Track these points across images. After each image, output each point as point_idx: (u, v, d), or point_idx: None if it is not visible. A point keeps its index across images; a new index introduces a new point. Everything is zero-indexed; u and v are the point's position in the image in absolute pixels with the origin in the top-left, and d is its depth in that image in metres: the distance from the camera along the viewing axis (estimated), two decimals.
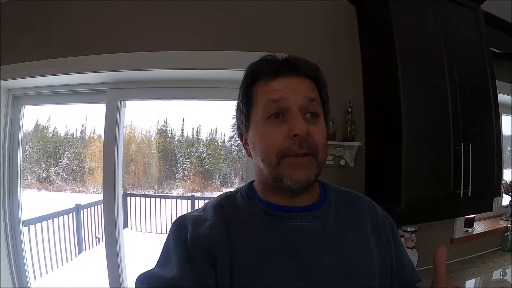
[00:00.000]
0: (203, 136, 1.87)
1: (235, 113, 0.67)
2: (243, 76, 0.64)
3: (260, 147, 0.58)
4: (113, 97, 1.68)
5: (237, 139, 1.86)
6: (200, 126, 1.87)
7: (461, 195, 1.40)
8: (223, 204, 0.62)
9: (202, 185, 1.99)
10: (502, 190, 2.11)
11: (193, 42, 1.54)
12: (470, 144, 1.43)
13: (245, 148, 0.65)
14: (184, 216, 0.61)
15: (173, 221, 0.61)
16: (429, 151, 1.40)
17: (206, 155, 1.89)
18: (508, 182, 2.29)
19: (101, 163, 1.68)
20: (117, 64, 1.51)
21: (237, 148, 1.86)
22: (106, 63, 1.52)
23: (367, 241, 0.62)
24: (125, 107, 1.73)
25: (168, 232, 0.59)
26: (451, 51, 1.51)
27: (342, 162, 1.62)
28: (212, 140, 1.85)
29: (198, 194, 2.05)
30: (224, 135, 1.83)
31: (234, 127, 1.83)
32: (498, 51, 1.99)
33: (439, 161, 1.42)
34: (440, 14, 1.52)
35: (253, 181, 0.68)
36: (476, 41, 1.64)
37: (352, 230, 0.62)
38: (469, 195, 1.41)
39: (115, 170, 1.66)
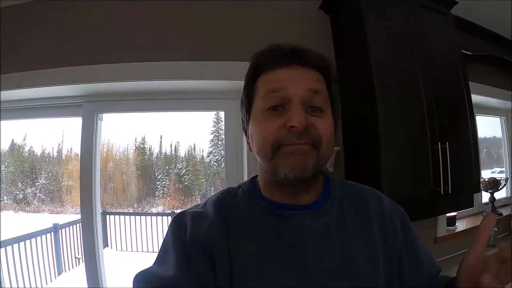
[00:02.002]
0: (182, 152, 1.84)
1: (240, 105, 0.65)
2: (248, 66, 0.61)
3: (257, 139, 0.55)
4: (89, 110, 1.64)
5: (215, 154, 1.84)
6: (178, 142, 1.84)
7: (442, 193, 1.42)
8: (224, 200, 0.61)
9: (182, 201, 1.96)
10: (481, 187, 2.15)
11: (170, 52, 1.52)
12: (447, 143, 1.46)
13: (248, 143, 0.62)
14: (184, 213, 0.59)
15: (172, 217, 0.59)
16: (407, 151, 1.41)
17: (185, 172, 1.85)
18: (486, 180, 2.33)
19: (79, 182, 1.62)
20: (93, 76, 1.47)
21: (216, 164, 1.84)
22: (81, 75, 1.47)
23: (372, 238, 0.59)
24: (102, 120, 1.68)
25: (167, 229, 0.57)
26: (424, 54, 1.54)
27: None
28: (190, 156, 1.82)
29: (179, 211, 2.03)
30: (202, 151, 1.82)
31: (212, 143, 1.82)
32: (470, 53, 2.04)
33: (417, 161, 1.43)
34: (412, 19, 1.56)
35: (256, 176, 0.66)
36: (448, 44, 1.69)
37: (356, 227, 0.59)
38: (450, 192, 1.43)
39: (93, 185, 1.61)
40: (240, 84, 1.56)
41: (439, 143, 1.45)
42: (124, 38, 1.51)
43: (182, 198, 1.93)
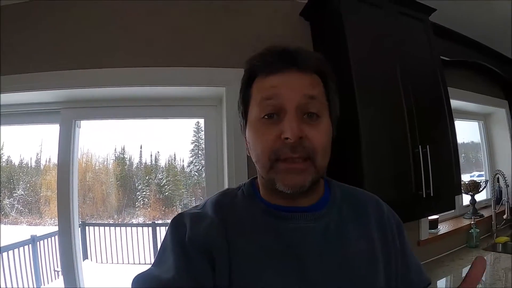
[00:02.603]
0: (162, 162, 1.81)
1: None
2: (244, 70, 0.61)
3: (255, 149, 0.55)
4: (67, 116, 1.59)
5: (196, 164, 1.82)
6: (158, 152, 1.80)
7: (424, 196, 1.43)
8: (223, 201, 0.61)
9: (163, 212, 1.92)
10: (462, 189, 2.19)
11: (149, 59, 1.49)
12: (427, 146, 1.48)
13: (246, 147, 0.61)
14: (183, 214, 0.59)
15: (172, 218, 0.59)
16: (388, 155, 1.42)
17: (166, 182, 1.82)
18: (466, 182, 2.38)
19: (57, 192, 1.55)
20: (71, 81, 1.43)
21: (196, 174, 1.82)
22: (59, 81, 1.43)
23: (372, 242, 0.60)
24: (80, 127, 1.64)
25: (166, 230, 0.57)
26: (404, 60, 1.57)
27: None
28: (171, 166, 1.79)
29: (160, 222, 1.97)
30: (183, 161, 1.79)
31: (192, 152, 1.80)
32: (448, 59, 2.09)
33: (399, 164, 1.45)
34: (392, 26, 1.59)
35: (256, 177, 0.65)
36: (427, 50, 1.73)
37: (356, 230, 0.60)
38: (432, 195, 1.45)
39: (71, 196, 1.55)
40: (219, 91, 1.53)
41: (419, 146, 1.47)
42: (103, 44, 1.47)
43: (163, 208, 1.90)
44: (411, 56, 1.62)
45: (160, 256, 0.55)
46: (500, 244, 2.15)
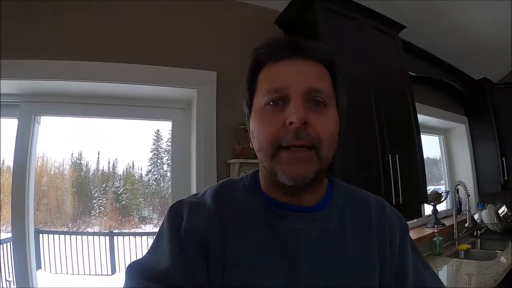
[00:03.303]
0: (120, 170, 1.73)
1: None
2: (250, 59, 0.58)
3: (258, 136, 0.53)
4: (27, 111, 1.44)
5: (154, 173, 1.75)
6: (116, 159, 1.72)
7: (393, 203, 1.47)
8: (223, 192, 0.59)
9: (119, 221, 1.81)
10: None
11: (121, 54, 1.39)
12: (397, 156, 1.52)
13: (249, 138, 0.59)
14: (181, 202, 0.58)
15: (170, 206, 0.58)
16: (360, 163, 1.44)
17: (123, 190, 1.73)
18: (429, 193, 2.47)
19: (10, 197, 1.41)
20: (34, 72, 1.28)
21: (154, 183, 1.75)
22: (22, 70, 1.28)
23: (370, 248, 0.57)
24: (39, 123, 1.49)
25: (164, 217, 0.56)
26: (376, 73, 1.63)
27: None
28: (129, 174, 1.71)
29: (116, 231, 1.86)
30: (141, 169, 1.72)
31: (151, 161, 1.73)
32: (415, 75, 2.17)
33: (370, 172, 1.48)
34: (365, 39, 1.64)
35: (259, 169, 0.62)
36: (397, 65, 1.80)
37: (355, 235, 0.57)
38: (400, 203, 1.49)
39: (26, 199, 1.42)
40: (189, 93, 1.44)
41: (389, 155, 1.50)
42: (71, 35, 1.35)
43: (120, 217, 1.80)
44: (382, 70, 1.68)
45: (156, 243, 0.54)
46: (463, 251, 2.25)
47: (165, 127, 1.77)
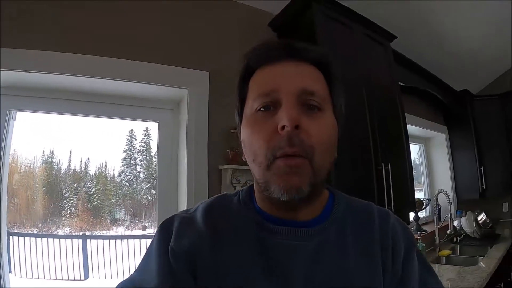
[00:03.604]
0: (92, 169, 1.67)
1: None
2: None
3: (250, 146, 0.49)
4: (3, 105, 1.31)
5: (127, 174, 1.70)
6: (88, 159, 1.65)
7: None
8: (216, 207, 0.57)
9: (90, 223, 1.74)
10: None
11: (105, 47, 1.29)
12: (389, 164, 1.53)
13: (241, 147, 0.55)
14: (172, 218, 0.56)
15: (161, 222, 0.56)
16: (354, 172, 1.43)
17: (95, 191, 1.67)
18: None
19: None
20: (10, 61, 1.15)
21: (127, 184, 1.71)
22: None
23: (374, 256, 0.52)
24: (15, 120, 1.36)
25: (155, 233, 0.55)
26: (369, 82, 1.63)
27: None
28: (101, 175, 1.65)
29: (88, 233, 1.78)
30: (113, 170, 1.67)
31: (124, 161, 1.67)
32: (403, 85, 2.21)
33: (364, 180, 1.48)
34: (359, 47, 1.64)
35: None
36: (387, 74, 1.81)
37: (357, 250, 0.52)
38: (392, 210, 1.46)
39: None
40: (177, 93, 1.36)
41: (382, 164, 1.51)
42: (57, 24, 1.23)
43: (91, 219, 1.72)
44: (375, 78, 1.69)
45: (144, 262, 0.53)
46: (444, 257, 2.30)
47: (141, 128, 1.70)
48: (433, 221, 2.61)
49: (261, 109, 0.48)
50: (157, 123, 1.57)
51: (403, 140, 1.78)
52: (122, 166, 1.68)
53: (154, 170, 1.67)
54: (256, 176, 0.50)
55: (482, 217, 2.54)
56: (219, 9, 1.59)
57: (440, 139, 3.16)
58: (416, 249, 0.58)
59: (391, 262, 0.53)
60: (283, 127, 0.44)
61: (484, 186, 2.80)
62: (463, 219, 2.53)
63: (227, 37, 1.57)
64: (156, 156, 1.61)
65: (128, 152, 1.70)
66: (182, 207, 1.41)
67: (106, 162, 1.63)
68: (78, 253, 2.17)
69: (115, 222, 1.69)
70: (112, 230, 1.77)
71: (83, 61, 1.24)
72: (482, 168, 2.84)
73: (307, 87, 0.47)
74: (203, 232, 0.52)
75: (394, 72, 1.87)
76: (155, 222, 1.60)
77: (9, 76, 1.20)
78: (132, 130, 1.70)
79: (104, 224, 1.74)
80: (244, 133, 0.51)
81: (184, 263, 0.49)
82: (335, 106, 0.52)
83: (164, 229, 0.54)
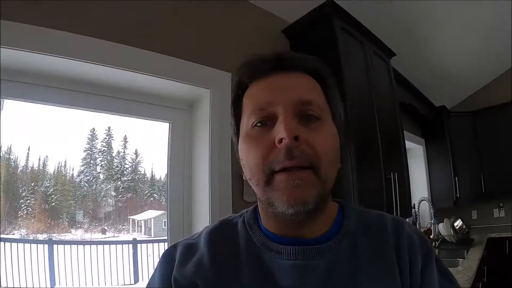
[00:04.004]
0: (50, 168, 1.59)
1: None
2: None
3: (247, 163, 0.47)
4: None
5: (87, 174, 1.64)
6: (47, 156, 1.57)
7: None
8: (219, 231, 0.55)
9: (48, 224, 1.65)
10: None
11: (117, 31, 1.15)
12: (396, 174, 1.64)
13: (241, 167, 0.52)
14: (176, 245, 0.55)
15: (166, 249, 0.56)
16: (368, 181, 1.50)
17: (53, 191, 1.59)
18: None
19: None
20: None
21: (86, 185, 1.65)
22: None
23: (390, 273, 0.49)
24: (2, 109, 1.14)
25: (158, 260, 0.55)
26: (376, 97, 1.73)
27: None
28: (60, 174, 1.57)
29: (44, 235, 1.68)
30: (73, 169, 1.60)
31: (84, 161, 1.61)
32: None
33: (376, 188, 1.56)
34: (368, 61, 1.75)
35: None
36: (390, 89, 1.93)
37: (372, 266, 0.49)
38: (398, 215, 1.57)
39: None
40: (193, 92, 1.30)
41: (391, 173, 1.61)
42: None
43: (48, 220, 1.64)
44: (381, 93, 1.79)
45: None
46: None
47: (102, 127, 1.61)
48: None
49: (257, 124, 0.46)
50: (168, 124, 1.44)
51: (402, 151, 1.91)
52: (82, 165, 1.61)
53: (114, 171, 1.62)
54: (258, 194, 0.49)
55: (458, 223, 2.76)
56: (239, 10, 1.58)
57: (418, 151, 3.39)
58: (435, 257, 0.55)
59: (409, 275, 0.50)
60: (281, 140, 0.42)
61: (458, 195, 3.06)
62: (440, 225, 2.73)
63: (245, 39, 1.56)
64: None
65: (88, 151, 1.63)
66: (198, 216, 1.36)
67: (66, 161, 1.56)
68: (44, 259, 2.00)
69: (73, 224, 1.62)
70: (70, 232, 1.67)
71: (89, 43, 1.07)
72: (456, 178, 3.11)
73: (303, 96, 0.46)
74: (206, 259, 0.51)
75: (394, 88, 1.99)
76: (115, 226, 1.57)
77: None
78: (93, 129, 1.61)
79: (62, 226, 1.67)
80: (242, 151, 0.49)
81: None
82: (334, 114, 0.50)
83: (167, 257, 0.53)
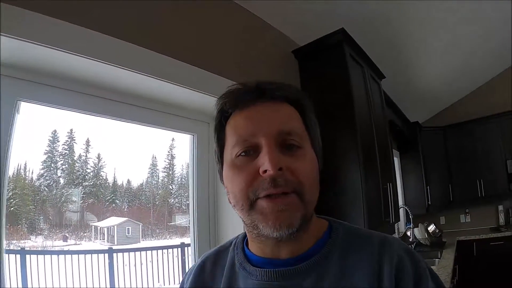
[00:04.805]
0: (10, 171, 1.50)
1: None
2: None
3: (231, 190, 0.50)
4: (8, 91, 0.96)
5: (47, 178, 1.58)
6: None
7: (390, 223, 1.80)
8: (210, 258, 0.60)
9: (6, 230, 1.58)
10: None
11: (146, 35, 1.13)
12: (391, 184, 1.86)
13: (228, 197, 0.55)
14: (192, 267, 0.64)
15: None
16: (365, 191, 1.64)
17: (12, 195, 1.51)
18: None
19: None
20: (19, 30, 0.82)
21: (46, 189, 1.58)
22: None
23: None
24: (19, 113, 1.03)
25: None
26: (374, 117, 1.93)
27: None
28: (19, 177, 1.48)
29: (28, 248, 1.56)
30: (32, 172, 1.52)
31: (44, 164, 1.55)
32: None
33: (373, 198, 1.73)
34: (367, 83, 1.93)
35: None
36: (381, 108, 2.14)
37: (358, 280, 0.47)
38: (391, 222, 1.84)
39: None
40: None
41: (388, 184, 1.79)
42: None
43: (7, 226, 1.56)
44: (376, 113, 2.01)
45: None
46: None
47: (65, 129, 1.53)
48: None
49: (242, 154, 0.49)
50: (194, 135, 1.47)
51: (391, 163, 2.14)
52: (42, 169, 1.53)
53: (76, 176, 1.55)
54: (243, 218, 0.51)
55: (431, 227, 3.08)
56: (258, 29, 1.70)
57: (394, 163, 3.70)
58: (429, 278, 0.50)
59: None
60: (265, 171, 0.45)
61: (429, 203, 3.40)
62: (415, 229, 3.02)
63: (260, 58, 1.67)
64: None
65: (49, 154, 1.56)
66: (224, 228, 1.47)
67: (26, 164, 1.46)
68: (16, 268, 1.86)
69: (32, 230, 1.51)
70: (29, 240, 1.56)
71: (126, 49, 1.05)
72: (428, 187, 3.45)
73: (284, 127, 0.48)
74: (197, 270, 0.59)
75: (385, 107, 2.23)
76: (76, 233, 1.53)
77: (18, 53, 0.88)
78: (55, 131, 1.53)
79: (21, 232, 1.57)
80: (227, 179, 0.52)
81: None
82: (312, 140, 0.53)
83: (185, 274, 0.64)
